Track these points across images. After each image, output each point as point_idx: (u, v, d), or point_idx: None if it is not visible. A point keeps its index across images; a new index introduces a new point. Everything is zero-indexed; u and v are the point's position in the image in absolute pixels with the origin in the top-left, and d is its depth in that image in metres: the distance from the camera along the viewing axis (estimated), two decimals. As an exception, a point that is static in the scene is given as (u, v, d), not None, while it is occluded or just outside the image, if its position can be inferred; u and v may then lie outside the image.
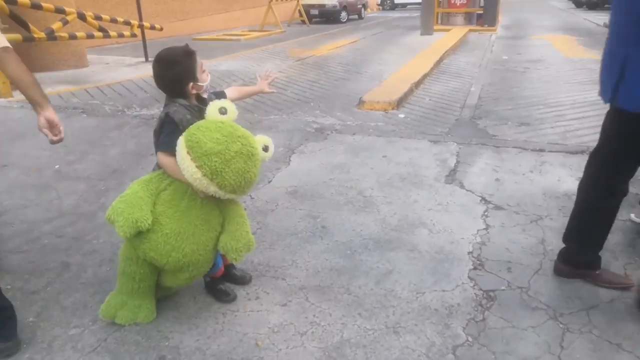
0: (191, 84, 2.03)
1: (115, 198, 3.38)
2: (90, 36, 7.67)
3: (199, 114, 2.04)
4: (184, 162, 1.84)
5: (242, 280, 2.45)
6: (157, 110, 5.62)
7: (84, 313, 2.27)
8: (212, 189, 1.86)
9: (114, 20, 8.21)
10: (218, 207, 2.05)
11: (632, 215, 3.01)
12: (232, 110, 1.93)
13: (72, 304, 2.34)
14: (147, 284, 2.15)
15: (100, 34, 7.87)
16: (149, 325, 2.18)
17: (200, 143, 1.80)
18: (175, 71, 2.00)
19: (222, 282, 2.39)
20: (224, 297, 2.34)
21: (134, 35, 8.88)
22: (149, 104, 5.90)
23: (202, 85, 2.09)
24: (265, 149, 1.96)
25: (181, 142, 1.87)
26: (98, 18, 7.79)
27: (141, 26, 9.09)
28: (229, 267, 2.44)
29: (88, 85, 6.93)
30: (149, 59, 9.32)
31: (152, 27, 9.51)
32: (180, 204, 1.98)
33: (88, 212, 3.24)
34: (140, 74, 7.75)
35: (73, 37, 7.26)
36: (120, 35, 8.54)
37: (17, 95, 6.28)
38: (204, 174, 1.82)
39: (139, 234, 1.95)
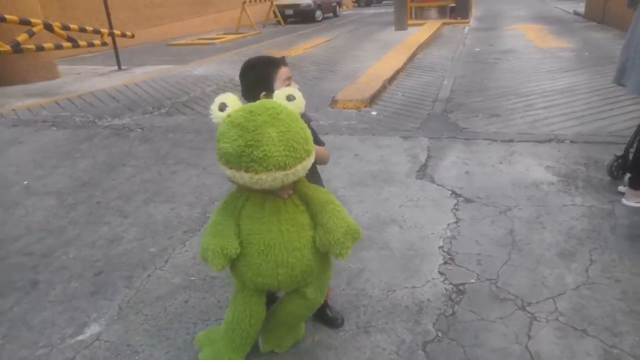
0: (264, 93, 1.85)
1: (85, 212, 3.36)
2: (58, 47, 7.54)
3: None
4: (234, 175, 1.59)
5: (333, 322, 2.18)
6: (129, 120, 5.57)
7: (52, 332, 2.23)
8: (279, 176, 1.54)
9: (82, 30, 8.10)
10: (302, 202, 1.74)
11: (620, 187, 3.12)
12: (233, 100, 1.64)
13: (40, 323, 2.30)
14: (244, 333, 1.89)
15: (69, 44, 7.75)
16: (118, 340, 2.16)
17: (224, 149, 1.56)
18: (249, 78, 1.92)
19: (329, 307, 2.21)
20: (332, 324, 2.17)
21: (104, 44, 8.75)
22: (120, 114, 5.83)
23: None
24: (291, 98, 1.62)
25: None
26: (66, 28, 7.67)
27: (112, 34, 8.97)
28: (322, 307, 2.14)
29: (58, 97, 6.82)
30: (122, 67, 9.22)
31: (124, 35, 9.40)
32: (263, 215, 1.71)
33: (57, 227, 3.19)
34: (113, 83, 7.65)
35: (40, 48, 7.13)
36: (90, 45, 8.42)
37: (-15, 111, 6.17)
38: (256, 170, 1.52)
39: (237, 265, 1.76)
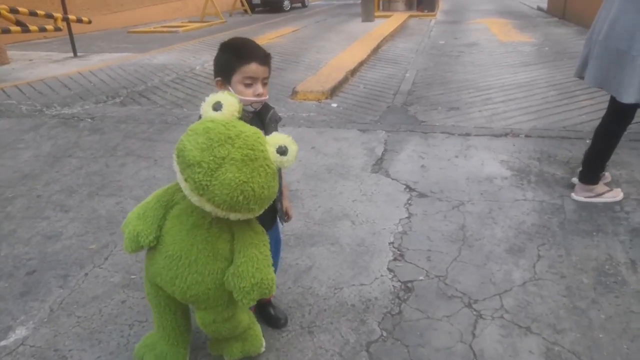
0: (219, 79, 1.67)
1: (23, 206, 3.16)
2: (5, 31, 7.13)
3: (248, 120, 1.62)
4: (177, 174, 1.48)
5: (276, 322, 2.09)
6: (79, 109, 5.32)
7: (-28, 337, 2.07)
8: (208, 207, 1.44)
9: (33, 14, 7.69)
10: (230, 230, 1.59)
11: (574, 179, 3.14)
12: (231, 103, 1.46)
13: (-40, 327, 2.13)
14: (172, 324, 1.79)
15: (18, 28, 7.35)
16: (45, 345, 2.02)
17: (184, 151, 1.42)
18: (216, 55, 1.69)
19: (272, 305, 2.13)
20: (275, 324, 2.08)
21: (58, 29, 8.36)
22: (70, 102, 5.55)
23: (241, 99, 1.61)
24: (282, 151, 1.43)
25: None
26: (14, 11, 7.26)
27: (66, 19, 8.57)
28: (266, 306, 2.11)
29: (5, 84, 6.46)
30: (78, 54, 8.84)
31: (79, 20, 9.00)
32: (187, 222, 1.58)
33: (-9, 223, 2.99)
34: (66, 71, 7.31)
35: (-15, 32, 6.74)
36: (42, 30, 8.02)
37: None
38: (191, 189, 1.41)
39: (148, 255, 1.67)
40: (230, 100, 1.47)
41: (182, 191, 1.60)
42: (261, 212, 1.51)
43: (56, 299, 2.31)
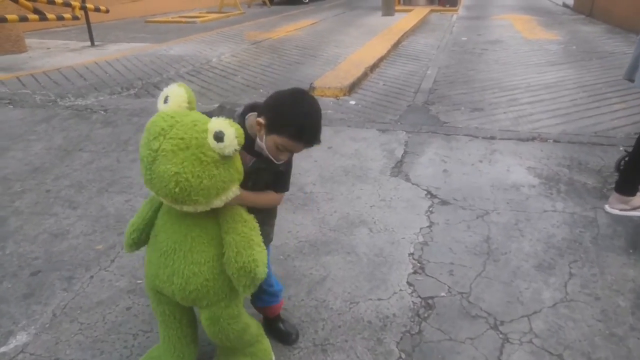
0: (262, 122, 1.47)
1: (31, 201, 3.08)
2: (23, 19, 7.08)
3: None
4: None
5: (286, 338, 1.96)
6: (93, 100, 5.24)
7: (-28, 341, 1.99)
8: (163, 201, 1.45)
9: (51, 2, 7.63)
10: (215, 213, 1.51)
11: (606, 207, 2.89)
12: (177, 94, 1.39)
13: (-40, 330, 2.05)
14: (177, 333, 1.71)
15: (36, 16, 7.30)
16: (45, 353, 1.92)
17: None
18: (273, 103, 1.48)
19: (281, 320, 2.00)
20: (285, 340, 1.96)
21: (75, 18, 8.30)
22: (85, 93, 5.48)
23: (262, 146, 1.50)
24: (218, 137, 1.32)
25: None
26: (32, -1, 7.21)
27: (84, 8, 8.51)
28: (275, 320, 1.99)
29: (21, 72, 6.42)
30: (95, 43, 8.79)
31: (97, 9, 8.93)
32: (177, 213, 1.50)
33: (-2, 218, 2.92)
34: (83, 60, 7.25)
35: (2, 20, 6.69)
36: (60, 18, 7.96)
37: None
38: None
39: (146, 258, 1.62)
40: (176, 92, 1.40)
41: None
42: (215, 203, 1.41)
43: (59, 302, 2.21)
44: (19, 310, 2.16)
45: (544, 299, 2.17)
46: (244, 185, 1.51)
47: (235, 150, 1.34)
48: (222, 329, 1.61)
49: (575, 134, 4.10)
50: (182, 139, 1.32)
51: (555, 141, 3.95)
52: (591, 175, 3.34)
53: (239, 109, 1.57)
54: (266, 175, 1.59)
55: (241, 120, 1.54)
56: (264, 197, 1.62)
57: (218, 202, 1.42)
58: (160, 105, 1.40)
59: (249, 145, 1.48)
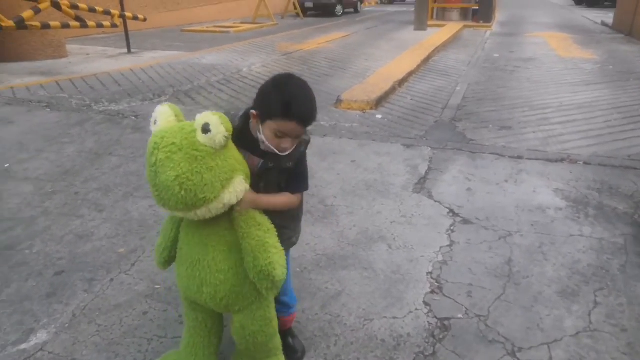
0: (255, 113, 1.51)
1: (60, 202, 3.17)
2: (65, 26, 7.38)
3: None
4: None
5: (292, 354, 1.94)
6: (126, 106, 5.39)
7: (-6, 337, 2.05)
8: (179, 215, 1.49)
9: (92, 10, 7.93)
10: (230, 221, 1.55)
11: None
12: (162, 112, 1.43)
13: (-15, 325, 2.12)
14: (203, 342, 1.74)
15: (77, 23, 7.59)
16: (63, 352, 1.96)
17: None
18: (262, 89, 1.52)
19: (291, 334, 2.00)
20: (291, 355, 1.93)
21: (114, 25, 8.60)
22: (119, 99, 5.65)
23: (262, 139, 1.52)
24: (206, 129, 1.35)
25: None
26: (74, 7, 7.50)
27: (123, 16, 8.80)
28: (286, 333, 1.96)
29: (60, 77, 6.67)
30: (132, 50, 9.07)
31: (135, 18, 9.24)
32: (196, 226, 1.55)
33: (28, 217, 3.01)
34: (119, 67, 7.49)
35: (46, 26, 6.98)
36: (99, 26, 8.26)
37: (-17, 87, 6.04)
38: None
39: (176, 272, 1.67)
40: (162, 111, 1.44)
41: None
42: (225, 197, 1.42)
43: (80, 303, 2.26)
44: (41, 309, 2.22)
45: (566, 327, 2.10)
46: (255, 189, 1.54)
47: (225, 137, 1.37)
48: (253, 332, 1.65)
49: (608, 156, 3.98)
50: (173, 144, 1.36)
51: (585, 163, 3.84)
52: (622, 200, 3.23)
53: (241, 112, 1.59)
54: (276, 175, 1.61)
55: (243, 121, 1.58)
56: (279, 199, 1.62)
57: (228, 197, 1.43)
58: (153, 127, 1.45)
59: (254, 147, 1.54)
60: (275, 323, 1.72)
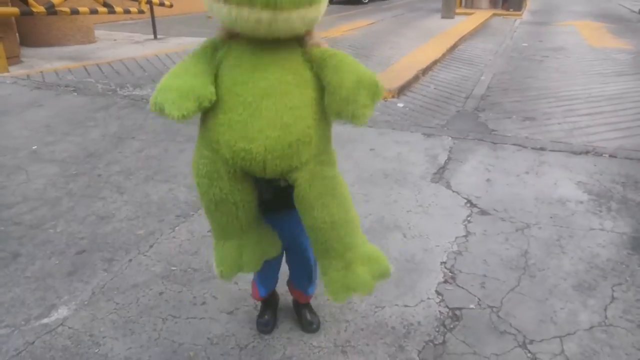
0: None
1: (84, 184, 3.25)
2: (93, 12, 7.51)
3: None
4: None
5: (307, 325, 2.02)
6: (150, 91, 5.46)
7: (19, 311, 2.14)
8: (260, 18, 1.22)
9: (119, -4, 8.05)
10: (309, 60, 1.36)
11: None
12: None
13: (10, 300, 2.21)
14: (242, 214, 1.48)
15: (105, 9, 7.71)
16: (82, 328, 2.04)
17: None
18: None
19: (309, 308, 2.06)
20: (308, 327, 2.02)
21: (141, 11, 8.70)
22: (143, 84, 5.74)
23: None
24: None
25: None
26: (102, -7, 7.63)
27: (149, 2, 8.90)
28: (302, 306, 2.05)
29: (88, 62, 6.81)
30: (158, 36, 9.17)
31: (162, 4, 9.33)
32: (259, 62, 1.33)
33: (53, 198, 3.11)
34: (145, 52, 7.60)
35: (75, 12, 7.13)
36: (127, 12, 8.37)
37: (13, 71, 6.21)
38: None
39: (210, 126, 1.36)
40: None
41: (219, 45, 1.43)
42: (302, 12, 1.23)
43: (99, 282, 2.33)
44: (63, 286, 2.30)
45: (580, 321, 2.06)
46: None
47: None
48: (327, 189, 1.42)
49: (635, 149, 3.86)
50: None
51: (611, 156, 3.74)
52: (648, 194, 3.14)
53: None
54: None
55: None
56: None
57: (313, 12, 1.27)
58: None
59: None
60: (342, 184, 1.47)
